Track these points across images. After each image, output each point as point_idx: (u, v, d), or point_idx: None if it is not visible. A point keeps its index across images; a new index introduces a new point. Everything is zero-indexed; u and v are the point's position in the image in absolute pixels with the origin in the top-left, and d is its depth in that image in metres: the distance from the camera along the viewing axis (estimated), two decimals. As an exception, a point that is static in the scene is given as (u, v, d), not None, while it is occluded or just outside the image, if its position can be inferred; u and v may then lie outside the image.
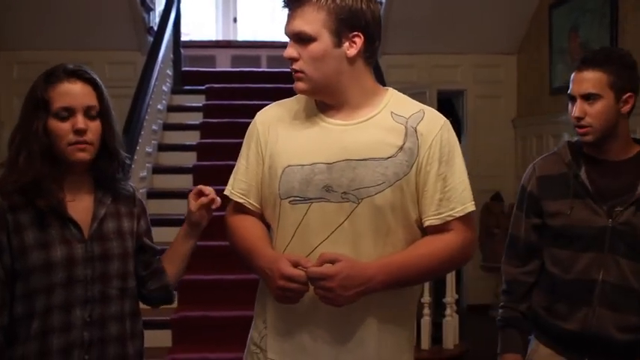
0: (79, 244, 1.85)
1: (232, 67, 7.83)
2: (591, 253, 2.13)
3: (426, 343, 4.64)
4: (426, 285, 4.69)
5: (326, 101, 1.88)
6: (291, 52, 1.82)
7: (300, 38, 1.80)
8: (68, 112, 1.83)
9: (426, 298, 4.68)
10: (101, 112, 1.88)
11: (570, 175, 2.19)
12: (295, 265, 1.73)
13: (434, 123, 1.85)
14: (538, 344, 2.28)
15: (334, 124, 1.85)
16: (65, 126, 1.83)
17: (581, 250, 2.15)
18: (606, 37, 5.30)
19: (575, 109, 2.16)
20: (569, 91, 2.19)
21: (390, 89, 1.94)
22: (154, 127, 5.88)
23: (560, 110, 6.09)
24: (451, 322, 4.71)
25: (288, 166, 1.83)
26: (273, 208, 1.87)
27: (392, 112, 1.85)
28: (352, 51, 1.81)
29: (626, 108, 2.15)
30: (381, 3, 6.76)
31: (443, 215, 1.83)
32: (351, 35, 1.80)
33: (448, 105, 7.34)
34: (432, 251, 1.82)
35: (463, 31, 6.70)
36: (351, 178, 1.78)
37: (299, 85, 1.84)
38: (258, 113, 1.98)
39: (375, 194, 1.78)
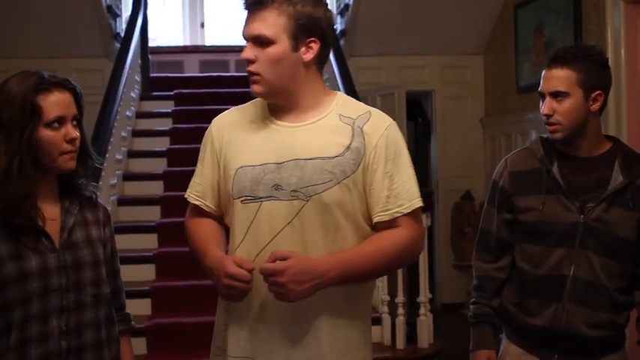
0: (51, 254, 1.85)
1: (200, 73, 7.81)
2: (562, 249, 2.14)
3: (401, 343, 4.66)
4: (400, 285, 4.72)
5: (278, 103, 1.93)
6: (248, 53, 1.86)
7: (259, 41, 1.85)
8: (59, 122, 1.84)
9: (400, 298, 4.71)
10: (79, 119, 1.91)
11: (543, 171, 2.20)
12: (239, 265, 1.77)
13: (380, 123, 1.91)
14: (510, 344, 2.28)
15: (284, 126, 1.91)
16: (58, 135, 1.84)
17: (553, 245, 2.15)
18: (570, 36, 5.37)
19: (545, 107, 2.17)
20: (539, 89, 2.20)
21: (339, 93, 2.00)
22: (123, 133, 5.84)
23: (527, 109, 6.16)
24: (425, 321, 4.74)
25: (241, 167, 1.88)
26: (229, 208, 1.94)
27: (339, 114, 1.91)
28: (308, 56, 1.87)
29: (595, 106, 2.15)
30: (348, 5, 6.80)
31: (391, 212, 1.88)
32: (308, 41, 1.86)
33: (417, 106, 7.40)
34: (382, 247, 1.87)
35: (430, 32, 6.75)
36: (299, 177, 1.83)
37: (255, 87, 1.88)
38: (215, 118, 2.05)
39: (323, 191, 1.83)
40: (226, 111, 2.05)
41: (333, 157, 1.85)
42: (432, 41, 6.84)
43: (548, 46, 5.78)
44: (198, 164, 2.03)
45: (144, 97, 6.77)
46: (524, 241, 2.23)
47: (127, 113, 6.05)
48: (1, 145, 1.81)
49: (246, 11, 1.89)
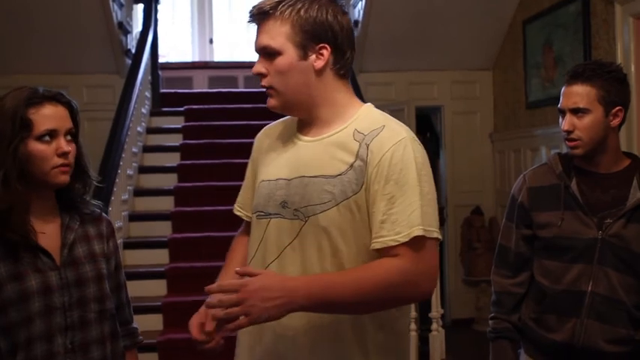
0: (52, 271, 1.83)
1: (210, 88, 7.84)
2: (581, 265, 2.15)
3: (413, 358, 4.65)
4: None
5: (300, 117, 1.84)
6: (258, 67, 1.78)
7: (267, 53, 1.76)
8: (51, 135, 1.82)
9: (413, 313, 4.70)
10: (75, 134, 1.90)
11: (561, 187, 2.21)
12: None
13: (388, 139, 1.71)
14: (528, 359, 2.29)
15: (303, 140, 1.82)
16: (49, 149, 1.82)
17: (571, 261, 2.16)
18: (580, 52, 5.39)
19: (565, 123, 2.18)
20: (559, 105, 2.21)
21: (367, 105, 1.85)
22: (134, 149, 5.87)
23: (536, 124, 6.18)
24: (437, 336, 4.72)
25: (262, 180, 1.85)
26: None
27: (355, 129, 1.75)
28: (319, 63, 1.75)
29: (615, 122, 2.17)
30: (357, 21, 6.84)
31: (385, 239, 1.66)
32: (317, 47, 1.75)
33: (426, 121, 7.41)
34: (370, 275, 1.63)
35: (439, 48, 6.78)
36: (301, 195, 1.73)
37: (270, 101, 1.80)
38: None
39: (320, 212, 1.70)
40: (276, 121, 1.99)
41: (335, 176, 1.71)
42: (440, 57, 6.87)
43: (558, 62, 5.80)
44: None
45: (154, 112, 6.80)
46: (543, 257, 2.23)
47: (138, 129, 6.08)
48: None
49: (255, 24, 1.80)
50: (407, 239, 1.64)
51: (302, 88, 1.76)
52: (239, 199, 2.01)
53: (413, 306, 4.70)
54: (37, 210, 1.85)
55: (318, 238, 1.71)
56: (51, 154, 1.82)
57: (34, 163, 1.81)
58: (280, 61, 1.74)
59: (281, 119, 1.97)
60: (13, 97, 1.84)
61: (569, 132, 2.17)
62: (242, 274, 1.61)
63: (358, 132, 1.74)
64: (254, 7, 1.79)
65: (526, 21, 6.35)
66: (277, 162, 1.84)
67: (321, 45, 1.75)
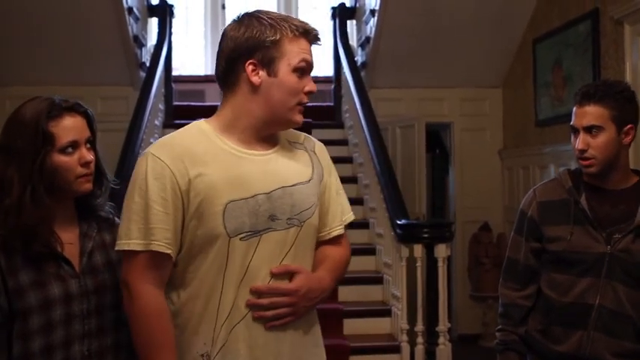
0: (72, 279, 1.84)
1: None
2: (589, 278, 2.18)
3: (420, 372, 4.69)
4: (419, 313, 4.75)
5: (261, 134, 1.88)
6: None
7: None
8: (73, 147, 1.85)
9: (420, 327, 4.74)
10: (93, 141, 1.92)
11: (571, 202, 2.24)
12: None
13: (316, 143, 2.02)
14: (534, 370, 2.32)
15: (254, 155, 1.85)
16: (72, 160, 1.85)
17: (580, 274, 2.19)
18: (589, 71, 5.44)
19: (579, 142, 2.21)
20: (571, 123, 2.24)
21: None
22: (147, 160, 5.92)
23: (545, 142, 6.22)
24: (444, 350, 4.75)
25: (230, 201, 1.77)
26: (209, 247, 1.78)
27: (287, 140, 1.95)
28: (256, 79, 1.83)
29: (627, 139, 2.22)
30: (369, 38, 6.91)
31: (342, 224, 2.02)
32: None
33: (435, 137, 7.46)
34: (343, 259, 2.00)
35: (449, 65, 6.84)
36: (291, 204, 1.84)
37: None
38: (153, 152, 1.81)
39: (312, 215, 1.89)
40: (165, 141, 1.86)
41: (308, 182, 1.90)
42: (451, 74, 6.93)
43: (567, 81, 5.85)
44: (155, 205, 1.76)
45: (167, 125, 6.86)
46: (552, 270, 2.27)
47: (151, 140, 6.14)
48: (15, 173, 1.80)
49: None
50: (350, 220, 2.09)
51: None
52: (164, 234, 1.77)
53: (420, 319, 4.75)
54: (58, 219, 1.87)
55: (312, 239, 1.92)
56: (74, 164, 1.85)
57: (59, 175, 1.84)
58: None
59: (169, 138, 1.88)
60: (31, 109, 1.85)
61: (583, 151, 2.20)
62: (281, 273, 1.81)
63: (291, 142, 1.96)
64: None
65: (536, 40, 6.41)
66: (240, 179, 1.80)
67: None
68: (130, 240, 1.77)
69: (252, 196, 1.79)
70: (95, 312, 1.87)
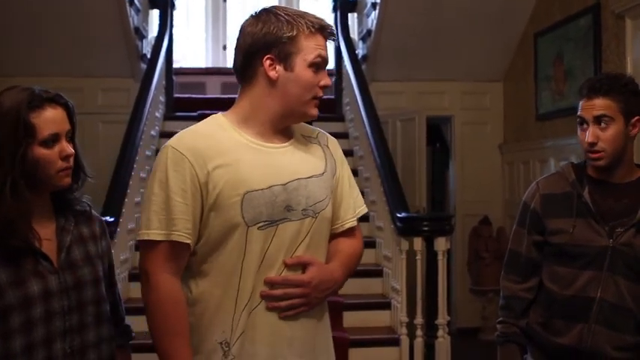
0: (51, 275, 1.79)
1: (222, 94, 7.90)
2: (591, 272, 2.19)
3: (419, 365, 4.70)
4: (419, 306, 4.77)
5: (277, 127, 1.93)
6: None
7: None
8: (54, 140, 1.79)
9: (419, 320, 4.75)
10: (72, 134, 1.87)
11: (574, 195, 2.25)
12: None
13: (329, 138, 2.07)
14: (533, 363, 2.33)
15: (271, 147, 1.91)
16: (53, 153, 1.79)
17: (581, 267, 2.20)
18: (590, 66, 5.45)
19: (589, 135, 2.20)
20: (580, 114, 2.23)
21: None
22: (148, 152, 5.93)
23: (546, 136, 6.22)
24: (443, 342, 4.76)
25: (247, 192, 1.82)
26: (228, 237, 1.83)
27: (302, 134, 2.00)
28: (273, 73, 1.87)
29: (634, 131, 2.22)
30: (370, 31, 6.91)
31: (355, 217, 2.06)
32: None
33: (436, 131, 7.47)
34: (356, 252, 2.06)
35: (450, 58, 6.85)
36: (306, 195, 1.90)
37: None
38: (175, 143, 1.87)
39: (326, 207, 1.94)
40: (185, 134, 1.91)
41: (322, 174, 1.96)
42: (452, 67, 6.94)
43: (568, 75, 5.86)
44: (175, 197, 1.82)
45: (167, 117, 6.87)
46: (554, 263, 2.27)
47: (152, 133, 6.15)
48: None
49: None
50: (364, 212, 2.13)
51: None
52: (185, 224, 1.82)
53: (419, 312, 4.76)
54: (35, 214, 1.81)
55: (326, 231, 1.97)
56: (55, 158, 1.79)
57: (40, 168, 1.78)
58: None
59: (192, 130, 1.93)
60: (10, 98, 1.77)
61: (592, 144, 2.20)
62: (294, 264, 1.86)
63: (305, 136, 2.01)
64: None
65: (537, 34, 6.41)
66: (256, 170, 1.85)
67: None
68: (149, 230, 1.83)
69: (268, 187, 1.85)
70: (76, 308, 1.83)
